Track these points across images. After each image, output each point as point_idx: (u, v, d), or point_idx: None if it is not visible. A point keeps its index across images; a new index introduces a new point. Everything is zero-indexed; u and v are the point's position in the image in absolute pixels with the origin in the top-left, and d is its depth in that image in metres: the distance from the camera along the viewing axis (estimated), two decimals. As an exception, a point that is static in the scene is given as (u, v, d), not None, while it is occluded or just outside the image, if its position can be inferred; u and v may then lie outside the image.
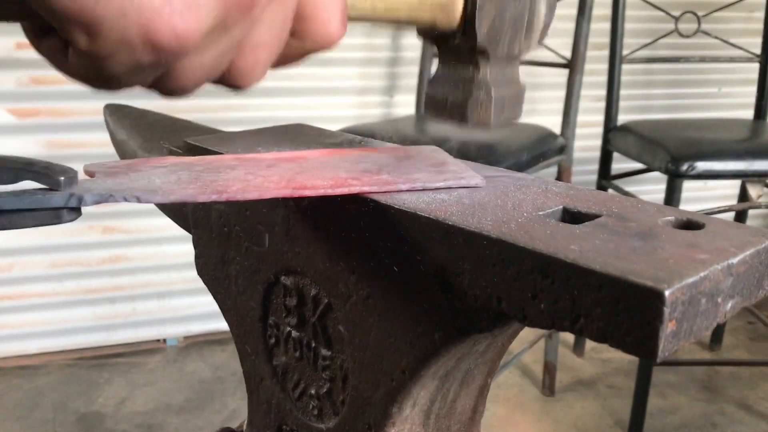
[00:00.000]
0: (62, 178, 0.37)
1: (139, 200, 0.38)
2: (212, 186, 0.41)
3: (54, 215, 0.37)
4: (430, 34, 0.47)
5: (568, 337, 2.21)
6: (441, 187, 0.44)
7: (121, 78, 0.29)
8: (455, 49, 0.47)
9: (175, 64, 0.28)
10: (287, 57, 0.35)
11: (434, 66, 2.01)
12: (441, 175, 0.45)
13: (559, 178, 1.82)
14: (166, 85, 0.30)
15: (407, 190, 0.43)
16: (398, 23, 0.45)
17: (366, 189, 0.43)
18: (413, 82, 2.04)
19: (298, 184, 0.42)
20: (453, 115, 0.48)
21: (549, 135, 1.75)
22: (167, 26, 0.26)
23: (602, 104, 1.99)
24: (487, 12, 0.45)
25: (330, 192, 0.42)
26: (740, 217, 2.13)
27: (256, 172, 0.45)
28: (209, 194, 0.40)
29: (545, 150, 1.68)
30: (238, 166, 0.46)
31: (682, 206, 1.44)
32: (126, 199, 0.38)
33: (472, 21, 0.45)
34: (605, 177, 2.00)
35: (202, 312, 2.10)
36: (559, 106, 1.81)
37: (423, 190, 0.43)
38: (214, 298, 0.60)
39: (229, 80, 0.32)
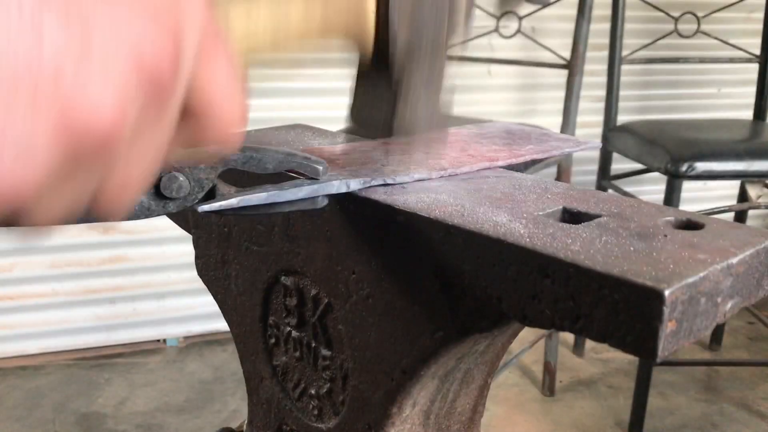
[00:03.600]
0: (320, 168, 0.40)
1: (394, 182, 0.44)
2: (433, 164, 0.46)
3: (312, 201, 0.41)
4: (348, 48, 0.45)
5: (568, 337, 2.21)
6: (566, 152, 0.50)
7: None
8: (376, 55, 0.44)
9: (16, 211, 0.24)
10: (186, 146, 0.29)
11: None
12: (551, 143, 0.50)
13: (558, 178, 1.82)
14: (19, 225, 0.25)
15: (543, 159, 0.49)
16: (311, 45, 0.41)
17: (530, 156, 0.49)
18: (413, 82, 2.03)
19: (487, 157, 0.48)
20: (381, 131, 0.46)
21: (549, 135, 1.75)
22: None
23: (602, 104, 1.99)
24: (402, 11, 0.42)
25: (512, 161, 0.48)
26: (740, 217, 2.13)
27: (434, 152, 0.49)
28: (439, 171, 0.45)
29: (545, 150, 1.68)
30: (406, 149, 0.51)
31: (682, 207, 1.44)
32: (386, 182, 0.43)
33: (386, 24, 0.42)
34: (605, 177, 2.00)
35: (202, 312, 2.10)
36: (559, 106, 1.81)
37: (549, 158, 0.49)
38: (214, 298, 0.60)
39: (97, 215, 0.27)
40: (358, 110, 0.46)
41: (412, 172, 0.45)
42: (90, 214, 0.27)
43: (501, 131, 0.56)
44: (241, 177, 0.40)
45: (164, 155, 0.27)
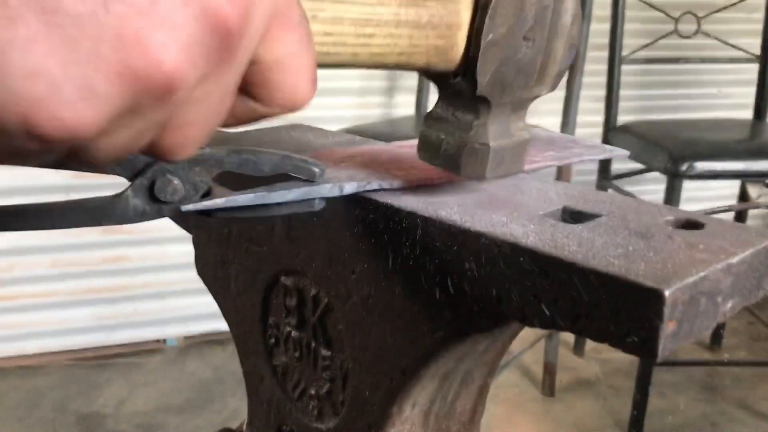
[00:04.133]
0: (317, 170, 0.40)
1: (391, 187, 0.43)
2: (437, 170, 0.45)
3: (308, 204, 0.41)
4: (428, 74, 0.42)
5: (568, 337, 2.21)
6: (587, 159, 0.49)
7: (9, 160, 0.25)
8: (455, 90, 0.41)
9: (76, 147, 0.25)
10: (251, 118, 0.31)
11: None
12: (574, 149, 0.50)
13: (559, 178, 1.82)
14: (78, 162, 0.27)
15: (575, 162, 0.49)
16: (385, 68, 0.39)
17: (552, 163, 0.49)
18: (413, 82, 2.04)
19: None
20: (446, 162, 0.42)
21: (549, 135, 1.75)
22: (52, 117, 0.22)
23: (602, 104, 1.99)
24: (491, 57, 0.39)
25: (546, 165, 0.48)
26: (740, 217, 2.13)
27: None
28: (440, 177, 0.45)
29: (545, 150, 1.68)
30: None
31: (682, 206, 1.44)
32: (381, 186, 0.43)
33: (473, 67, 0.39)
34: (605, 177, 2.00)
35: (202, 312, 2.10)
36: (559, 106, 1.81)
37: (578, 161, 0.49)
38: (214, 298, 0.60)
39: (157, 154, 0.28)
40: (428, 135, 0.43)
41: (413, 177, 0.45)
42: (151, 152, 0.28)
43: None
44: (238, 180, 0.39)
45: (228, 109, 0.28)
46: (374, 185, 0.43)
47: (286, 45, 0.29)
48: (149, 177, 0.36)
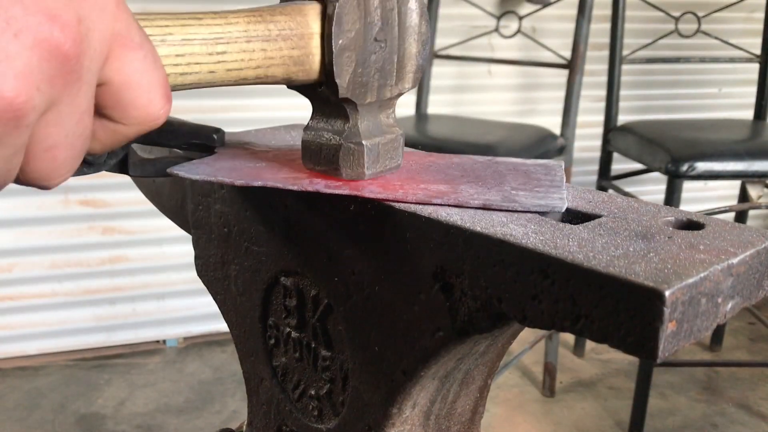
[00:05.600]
0: (215, 135, 0.50)
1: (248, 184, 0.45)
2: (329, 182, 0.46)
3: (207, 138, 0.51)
4: (294, 87, 0.45)
5: (569, 337, 2.21)
6: (506, 209, 0.40)
7: None
8: (322, 98, 0.45)
9: None
10: (116, 140, 0.34)
11: (434, 66, 1.99)
12: (525, 194, 0.42)
13: (559, 178, 1.81)
14: None
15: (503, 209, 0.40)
16: (246, 83, 0.42)
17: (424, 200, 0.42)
18: (413, 82, 2.04)
19: (398, 187, 0.44)
20: (327, 165, 0.45)
21: (549, 135, 1.75)
22: None
23: (602, 104, 1.99)
24: (346, 61, 0.42)
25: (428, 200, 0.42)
26: (740, 217, 2.13)
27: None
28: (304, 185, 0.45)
29: (545, 150, 1.68)
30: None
31: (682, 207, 1.44)
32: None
33: (332, 73, 0.42)
34: (605, 177, 2.00)
35: (201, 313, 2.10)
36: (559, 106, 1.81)
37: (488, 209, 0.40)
38: (214, 298, 0.60)
39: (33, 181, 0.31)
40: (308, 143, 0.46)
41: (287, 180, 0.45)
42: (27, 180, 0.31)
43: (488, 166, 0.50)
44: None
45: (89, 130, 0.31)
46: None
47: (132, 64, 0.31)
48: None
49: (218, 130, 0.50)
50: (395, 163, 0.47)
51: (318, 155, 0.46)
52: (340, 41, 0.41)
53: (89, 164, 0.46)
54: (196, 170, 0.47)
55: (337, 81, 0.42)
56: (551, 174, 0.47)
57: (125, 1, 0.31)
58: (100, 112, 0.31)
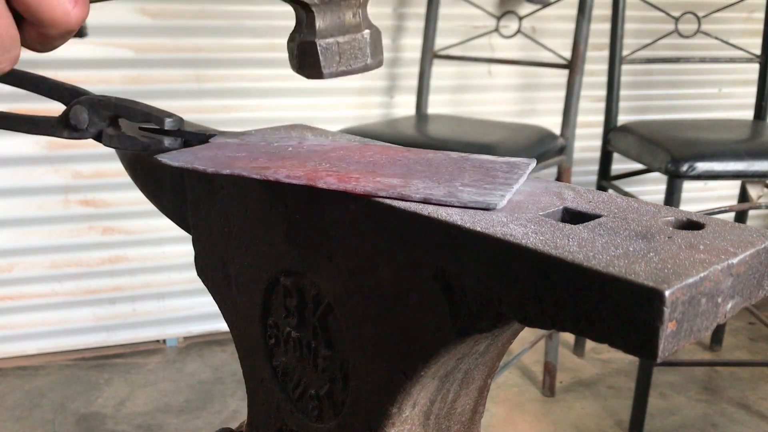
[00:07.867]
0: (169, 119, 0.53)
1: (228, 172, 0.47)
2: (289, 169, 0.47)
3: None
4: None
5: (568, 337, 2.21)
6: (445, 203, 0.41)
7: None
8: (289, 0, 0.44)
9: None
10: (47, 42, 0.37)
11: (434, 66, 1.99)
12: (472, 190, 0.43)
13: (559, 178, 1.82)
14: None
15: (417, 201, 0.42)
16: None
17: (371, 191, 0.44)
18: (413, 82, 2.04)
19: (319, 175, 0.45)
20: (295, 64, 0.46)
21: (549, 135, 1.75)
22: None
23: (602, 104, 1.99)
24: None
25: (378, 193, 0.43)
26: (740, 217, 2.13)
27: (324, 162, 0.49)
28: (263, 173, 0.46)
29: (545, 150, 1.68)
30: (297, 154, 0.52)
31: (682, 207, 1.44)
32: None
33: None
34: (605, 177, 2.00)
35: (201, 312, 2.10)
36: (559, 106, 1.81)
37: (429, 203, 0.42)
38: (214, 298, 0.60)
39: None
40: (290, 42, 0.47)
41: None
42: None
43: (456, 162, 0.50)
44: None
45: (11, 30, 0.35)
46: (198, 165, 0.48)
47: None
48: (70, 112, 0.54)
49: (171, 115, 0.53)
50: (360, 63, 0.46)
51: (291, 55, 0.46)
52: None
53: (74, 129, 0.54)
54: (177, 158, 0.49)
55: None
56: (512, 172, 0.47)
57: None
58: (18, 17, 0.36)
